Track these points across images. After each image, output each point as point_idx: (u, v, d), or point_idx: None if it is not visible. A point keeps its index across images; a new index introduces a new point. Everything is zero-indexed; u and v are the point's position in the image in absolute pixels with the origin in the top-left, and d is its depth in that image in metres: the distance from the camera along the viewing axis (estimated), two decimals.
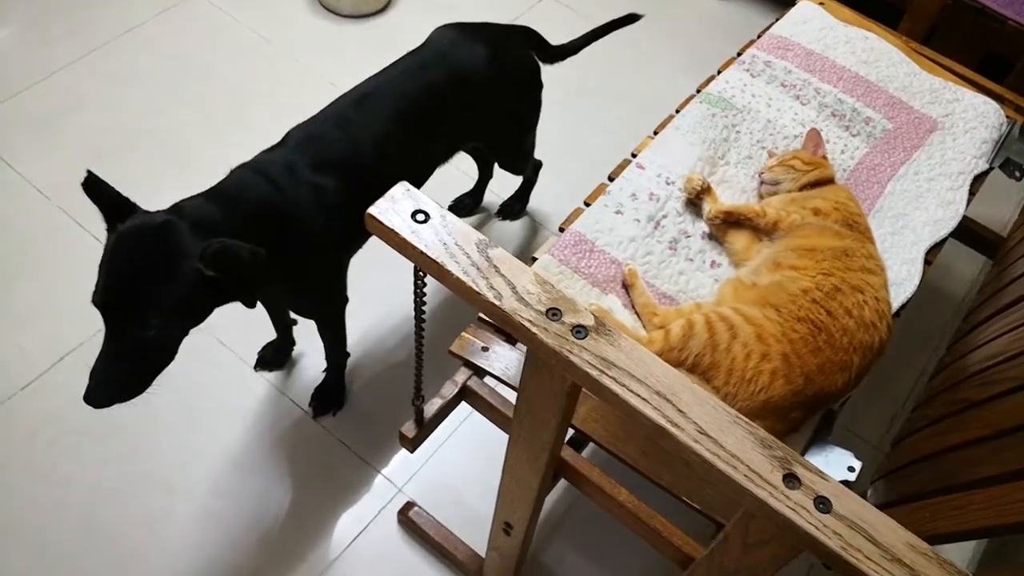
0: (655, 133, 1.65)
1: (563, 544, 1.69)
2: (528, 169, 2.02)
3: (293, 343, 1.88)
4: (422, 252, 0.86)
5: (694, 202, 1.51)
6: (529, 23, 1.83)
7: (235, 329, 1.90)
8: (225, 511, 1.67)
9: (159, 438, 1.75)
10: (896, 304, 1.45)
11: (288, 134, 1.43)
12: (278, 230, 1.30)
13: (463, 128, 1.64)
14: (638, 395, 0.79)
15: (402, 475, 1.75)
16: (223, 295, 1.22)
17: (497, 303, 0.83)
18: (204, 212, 1.24)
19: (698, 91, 1.74)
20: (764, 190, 1.56)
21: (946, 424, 1.19)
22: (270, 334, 1.85)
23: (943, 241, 1.58)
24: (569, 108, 2.50)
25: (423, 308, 1.02)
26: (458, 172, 2.22)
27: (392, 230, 0.87)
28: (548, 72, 1.81)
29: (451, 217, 0.89)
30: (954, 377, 1.31)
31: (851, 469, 1.26)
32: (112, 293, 1.14)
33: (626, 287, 1.40)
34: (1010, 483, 0.89)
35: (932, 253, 1.56)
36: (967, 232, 1.99)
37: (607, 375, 0.80)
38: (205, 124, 2.32)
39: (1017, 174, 1.76)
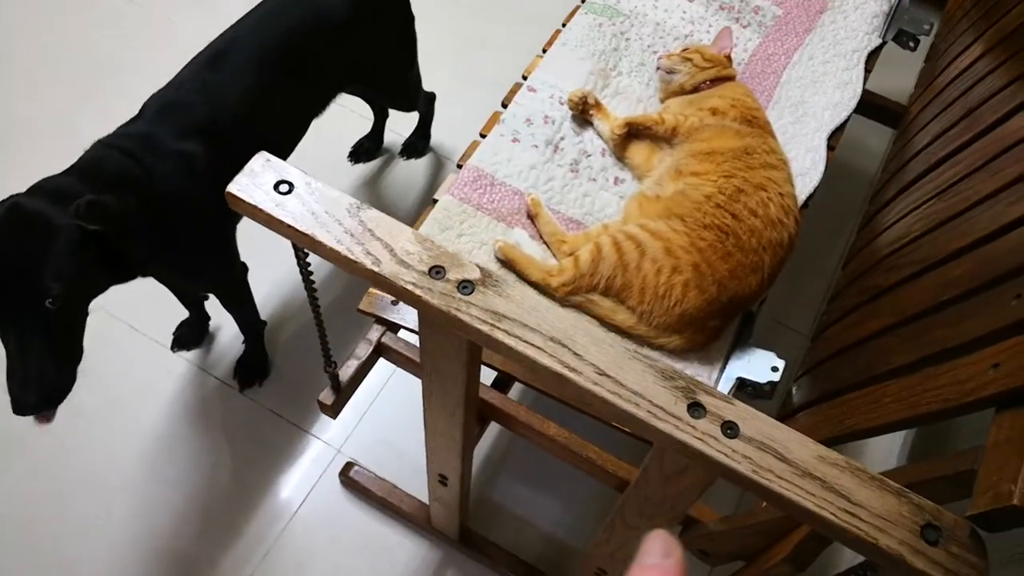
0: (544, 51, 1.59)
1: (510, 479, 1.69)
2: (420, 104, 1.95)
3: (208, 318, 1.81)
4: (290, 226, 0.80)
5: (589, 120, 1.47)
6: None
7: (146, 312, 1.82)
8: (165, 499, 1.63)
9: (83, 436, 1.69)
10: (803, 195, 1.44)
11: (145, 105, 1.34)
12: (145, 204, 1.23)
13: (335, 73, 1.55)
14: (532, 344, 0.76)
15: (339, 436, 1.72)
16: (108, 257, 1.17)
17: (376, 269, 0.79)
18: (64, 185, 1.18)
19: (583, 1, 1.67)
20: (659, 78, 1.52)
21: (859, 314, 1.19)
22: (183, 313, 1.78)
23: (844, 124, 1.57)
24: (458, 31, 2.41)
25: (312, 280, 0.98)
26: (355, 115, 2.13)
27: (255, 206, 0.81)
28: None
29: (318, 183, 0.83)
30: (865, 263, 1.30)
31: (775, 369, 1.27)
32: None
33: (531, 218, 1.36)
34: (920, 371, 0.89)
35: (835, 138, 1.55)
36: (871, 107, 1.98)
37: (499, 328, 0.77)
38: (84, 103, 2.17)
39: (911, 44, 1.74)
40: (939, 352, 0.88)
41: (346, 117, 2.13)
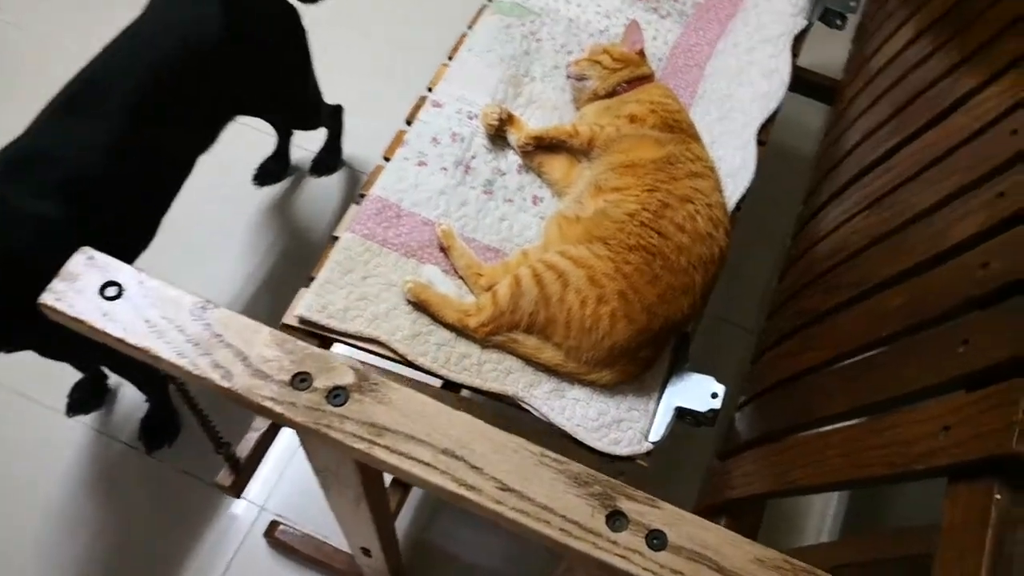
0: (449, 59, 1.45)
1: (448, 519, 1.58)
2: (325, 119, 1.79)
3: (106, 376, 1.65)
4: (121, 339, 0.67)
5: (504, 137, 1.35)
6: None
7: (34, 376, 1.65)
8: None
9: None
10: (734, 198, 1.34)
11: None
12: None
13: (219, 104, 1.39)
14: (420, 460, 0.65)
15: (262, 492, 1.59)
16: None
17: (227, 384, 0.66)
18: None
19: (489, 0, 1.54)
20: (572, 86, 1.40)
21: (797, 341, 1.09)
22: (77, 373, 1.62)
23: (774, 116, 1.46)
24: (370, 33, 2.25)
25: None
26: (257, 133, 1.97)
27: (78, 319, 0.68)
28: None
29: (152, 282, 0.70)
30: (800, 280, 1.20)
31: (714, 395, 1.17)
32: None
33: (444, 250, 1.24)
34: (862, 421, 0.79)
35: (764, 132, 1.44)
36: (805, 84, 1.89)
37: (378, 444, 0.65)
38: None
39: (839, 23, 1.64)
40: (881, 401, 0.79)
41: (246, 135, 1.97)
